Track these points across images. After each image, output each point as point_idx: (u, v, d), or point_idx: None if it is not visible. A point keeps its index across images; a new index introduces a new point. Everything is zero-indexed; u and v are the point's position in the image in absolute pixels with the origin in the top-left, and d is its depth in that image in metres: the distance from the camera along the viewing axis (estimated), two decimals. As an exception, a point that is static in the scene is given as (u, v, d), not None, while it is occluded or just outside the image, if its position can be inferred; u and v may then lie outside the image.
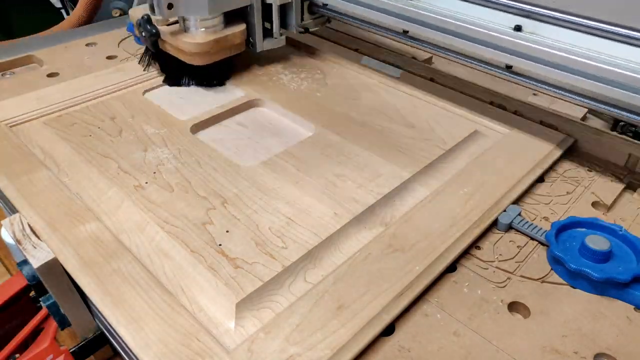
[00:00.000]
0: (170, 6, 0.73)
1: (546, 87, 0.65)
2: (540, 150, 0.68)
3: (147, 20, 0.77)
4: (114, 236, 0.54)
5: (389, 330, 0.46)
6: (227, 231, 0.55)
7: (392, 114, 0.76)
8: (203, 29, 0.78)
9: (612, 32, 0.56)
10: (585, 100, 0.62)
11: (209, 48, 0.78)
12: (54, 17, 1.66)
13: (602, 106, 0.61)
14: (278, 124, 0.77)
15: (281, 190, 0.61)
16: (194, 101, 0.81)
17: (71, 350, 0.57)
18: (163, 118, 0.75)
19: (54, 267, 0.51)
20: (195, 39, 0.77)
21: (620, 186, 0.64)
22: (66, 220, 0.55)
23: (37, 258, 0.50)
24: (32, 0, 1.63)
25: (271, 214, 0.57)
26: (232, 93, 0.83)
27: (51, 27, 1.24)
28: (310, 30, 0.91)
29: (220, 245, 0.53)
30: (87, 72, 0.86)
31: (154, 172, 0.63)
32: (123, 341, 0.44)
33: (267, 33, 0.85)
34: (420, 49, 0.79)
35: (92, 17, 1.30)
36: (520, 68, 0.65)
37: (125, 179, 0.62)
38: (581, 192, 0.63)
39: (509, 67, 0.67)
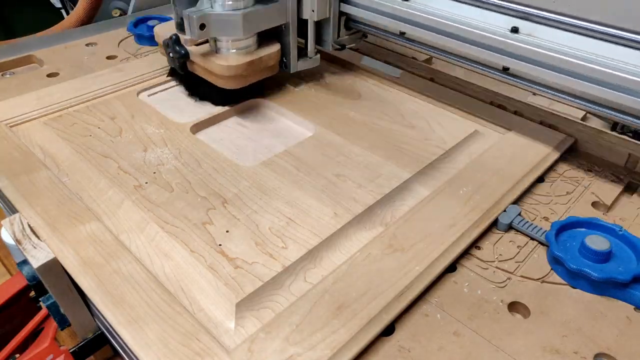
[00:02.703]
0: (202, 27, 0.68)
1: (543, 89, 0.65)
2: (540, 150, 0.68)
3: (175, 40, 0.73)
4: (114, 236, 0.54)
5: (389, 330, 0.46)
6: (227, 231, 0.55)
7: (392, 114, 0.76)
8: (235, 50, 0.73)
9: (610, 34, 0.56)
10: (583, 103, 0.62)
11: (242, 71, 0.73)
12: (54, 17, 1.66)
13: (600, 109, 0.60)
14: (278, 124, 0.77)
15: (281, 190, 0.61)
16: (194, 101, 0.81)
17: (71, 350, 0.57)
18: (163, 118, 0.75)
19: (54, 267, 0.51)
20: (228, 61, 0.72)
21: (620, 186, 0.64)
22: (66, 220, 0.55)
23: (37, 258, 0.50)
24: (32, 0, 1.63)
25: (271, 214, 0.57)
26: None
27: (49, 29, 1.24)
28: (346, 46, 0.85)
29: (220, 245, 0.53)
30: (87, 72, 0.87)
31: (154, 172, 0.63)
32: (123, 341, 0.44)
33: (301, 52, 0.80)
34: (417, 51, 0.79)
35: (92, 17, 1.30)
36: (517, 70, 0.65)
37: (125, 179, 0.62)
38: (581, 192, 0.63)
39: (505, 69, 0.67)
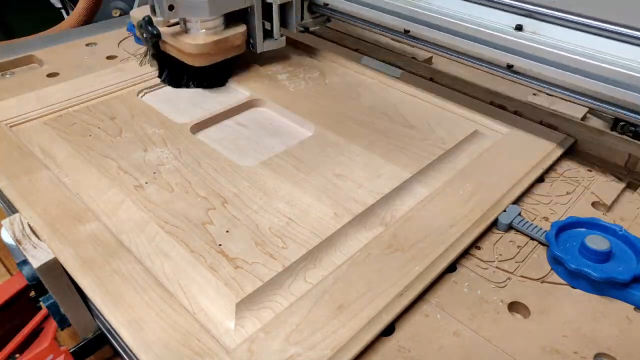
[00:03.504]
0: (171, 7, 0.74)
1: (547, 86, 0.65)
2: (540, 150, 0.68)
3: (148, 21, 0.78)
4: (114, 236, 0.54)
5: (389, 330, 0.46)
6: (227, 231, 0.55)
7: (392, 114, 0.76)
8: (204, 30, 0.79)
9: (614, 32, 0.56)
10: (587, 100, 0.62)
11: (209, 49, 0.78)
12: (54, 17, 1.66)
13: (604, 105, 0.61)
14: (278, 124, 0.77)
15: (281, 190, 0.61)
16: (194, 101, 0.81)
17: (71, 350, 0.57)
18: (163, 118, 0.75)
19: (54, 267, 0.51)
20: (196, 40, 0.77)
21: (620, 186, 0.64)
22: (66, 220, 0.55)
23: (37, 258, 0.50)
24: (32, 0, 1.63)
25: (271, 214, 0.57)
26: (232, 93, 0.83)
27: (49, 29, 1.24)
28: (310, 29, 0.91)
29: (220, 245, 0.53)
30: (87, 72, 0.86)
31: (154, 172, 0.63)
32: (123, 341, 0.44)
33: (267, 34, 0.86)
34: (421, 49, 0.80)
35: (91, 19, 1.30)
36: (521, 67, 0.65)
37: (125, 179, 0.62)
38: (581, 192, 0.63)
39: (510, 67, 0.67)
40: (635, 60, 0.55)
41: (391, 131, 0.72)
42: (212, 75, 0.84)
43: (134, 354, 0.43)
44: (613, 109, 0.60)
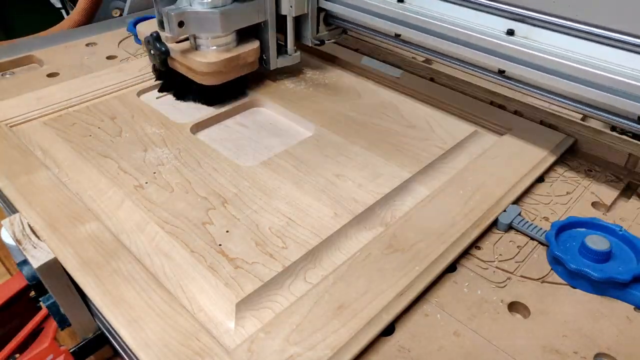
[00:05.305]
0: (181, 24, 0.69)
1: (539, 92, 0.65)
2: (540, 150, 0.68)
3: (156, 37, 0.74)
4: (114, 236, 0.54)
5: (389, 330, 0.46)
6: (227, 231, 0.55)
7: (392, 114, 0.76)
8: (215, 47, 0.74)
9: (606, 37, 0.55)
10: (579, 106, 0.61)
11: (221, 67, 0.74)
12: (54, 17, 1.66)
13: (597, 112, 0.60)
14: (278, 124, 0.77)
15: (281, 190, 0.61)
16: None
17: (71, 350, 0.57)
18: (163, 118, 0.75)
19: (54, 267, 0.51)
20: (207, 57, 0.73)
21: (620, 186, 0.64)
22: (66, 220, 0.55)
23: (37, 258, 0.50)
24: (32, 0, 1.63)
25: (271, 214, 0.57)
26: (232, 93, 0.83)
27: (49, 29, 1.24)
28: (326, 42, 0.86)
29: (220, 245, 0.53)
30: (87, 72, 0.87)
31: (154, 172, 0.63)
32: (123, 341, 0.44)
33: (281, 48, 0.81)
34: (413, 53, 0.79)
35: (91, 19, 1.30)
36: (512, 73, 0.65)
37: (125, 179, 0.62)
38: (581, 192, 0.63)
39: (501, 72, 0.66)
40: (627, 67, 0.54)
41: (391, 131, 0.72)
42: (223, 93, 0.79)
43: (134, 354, 0.43)
44: (606, 115, 0.60)
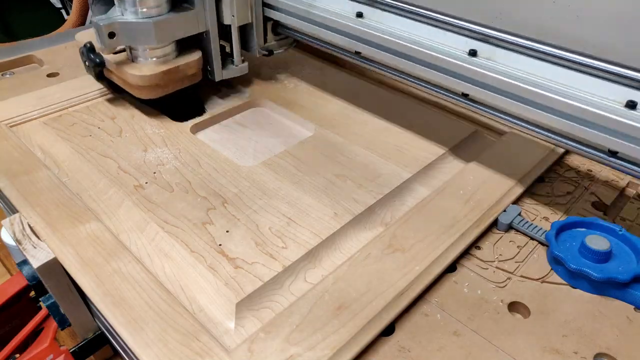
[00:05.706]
0: (111, 35, 0.65)
1: (503, 116, 0.59)
2: (540, 150, 0.68)
3: (89, 48, 0.69)
4: (114, 236, 0.54)
5: (389, 330, 0.46)
6: (227, 231, 0.55)
7: (392, 114, 0.76)
8: (154, 59, 0.69)
9: (572, 61, 0.50)
10: (542, 132, 0.56)
11: (158, 80, 0.69)
12: (54, 17, 1.66)
13: (566, 141, 0.55)
14: (278, 124, 0.77)
15: (281, 190, 0.61)
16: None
17: (71, 350, 0.57)
18: (163, 118, 0.74)
19: (54, 267, 0.51)
20: (142, 70, 0.68)
21: (620, 186, 0.64)
22: (66, 220, 0.55)
23: (37, 258, 0.50)
24: (32, 1, 1.63)
25: (271, 214, 0.57)
26: (233, 93, 0.83)
27: (52, 31, 1.25)
28: (274, 52, 0.82)
29: (220, 245, 0.53)
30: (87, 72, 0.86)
31: (154, 172, 0.63)
32: (123, 341, 0.44)
33: (227, 60, 0.77)
34: (372, 70, 0.72)
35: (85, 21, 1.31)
36: (475, 96, 0.59)
37: (125, 179, 0.62)
38: (581, 192, 0.63)
39: (465, 95, 0.61)
40: (596, 94, 0.48)
41: (391, 131, 0.72)
42: (175, 107, 0.75)
43: (134, 354, 0.43)
44: (576, 146, 0.54)
